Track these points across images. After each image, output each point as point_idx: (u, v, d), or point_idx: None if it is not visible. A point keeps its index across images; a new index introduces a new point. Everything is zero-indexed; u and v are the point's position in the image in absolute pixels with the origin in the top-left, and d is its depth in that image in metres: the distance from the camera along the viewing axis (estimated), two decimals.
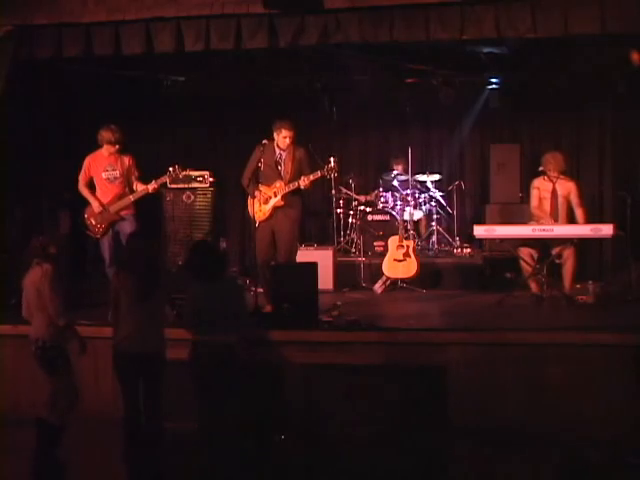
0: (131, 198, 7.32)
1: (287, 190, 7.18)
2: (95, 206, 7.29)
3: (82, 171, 7.38)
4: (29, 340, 5.42)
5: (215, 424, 5.10)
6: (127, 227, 7.21)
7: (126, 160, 7.38)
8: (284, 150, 7.25)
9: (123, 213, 7.31)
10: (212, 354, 5.01)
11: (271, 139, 7.25)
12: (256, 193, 7.13)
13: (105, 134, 7.28)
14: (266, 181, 7.22)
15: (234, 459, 5.16)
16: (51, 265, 5.32)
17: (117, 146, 7.32)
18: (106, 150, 7.33)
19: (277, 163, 7.28)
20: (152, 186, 7.31)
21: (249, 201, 7.30)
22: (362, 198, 10.16)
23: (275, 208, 7.22)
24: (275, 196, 7.21)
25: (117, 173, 7.34)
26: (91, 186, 7.41)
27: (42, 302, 5.30)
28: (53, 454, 5.32)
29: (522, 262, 7.75)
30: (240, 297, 5.38)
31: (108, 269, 7.21)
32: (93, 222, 7.31)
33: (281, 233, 7.25)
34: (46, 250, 5.37)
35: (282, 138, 7.18)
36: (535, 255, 7.75)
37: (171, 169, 7.41)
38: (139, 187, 7.35)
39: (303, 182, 7.15)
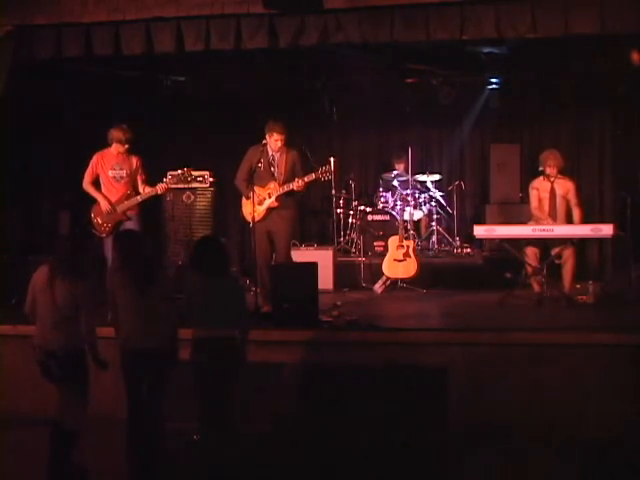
0: (139, 199, 7.32)
1: (281, 192, 7.21)
2: (104, 205, 7.25)
3: (89, 168, 7.33)
4: (45, 351, 5.17)
5: (215, 422, 5.10)
6: (132, 227, 7.19)
7: (134, 161, 7.37)
8: (277, 152, 7.26)
9: (129, 213, 7.32)
10: (212, 349, 5.01)
11: (264, 141, 7.26)
12: (250, 194, 7.13)
13: (116, 133, 7.27)
14: (260, 182, 7.23)
15: (233, 459, 5.17)
16: (88, 279, 5.17)
17: (126, 146, 7.31)
18: (115, 149, 7.32)
19: (270, 164, 7.29)
20: (161, 188, 7.32)
21: (243, 202, 7.35)
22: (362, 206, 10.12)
23: (269, 209, 7.25)
24: (269, 197, 7.23)
25: (124, 173, 7.32)
26: (96, 185, 7.39)
27: (73, 314, 5.10)
28: (69, 457, 5.28)
29: (526, 261, 7.75)
30: (241, 295, 5.38)
31: (110, 268, 7.21)
32: (100, 221, 7.28)
33: (278, 234, 7.28)
34: (80, 262, 5.18)
35: (274, 141, 7.20)
36: (538, 254, 7.76)
37: (180, 171, 7.45)
38: (146, 189, 7.34)
39: (297, 184, 7.17)
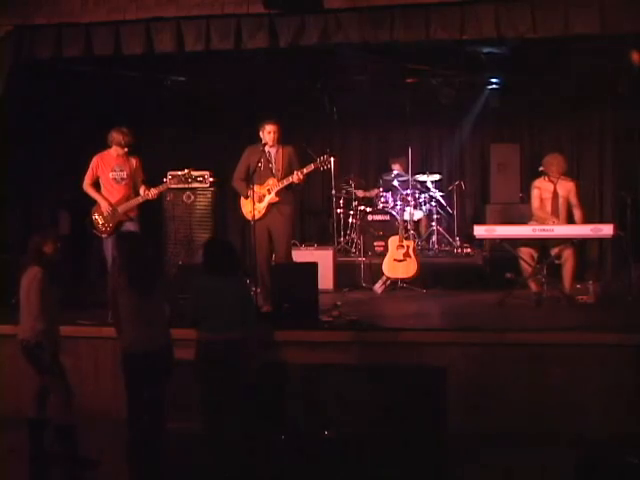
0: (140, 199, 7.33)
1: (281, 186, 7.20)
2: (104, 206, 7.27)
3: (89, 169, 7.35)
4: (16, 339, 5.47)
5: (219, 424, 5.09)
6: (132, 228, 7.21)
7: (133, 162, 7.40)
8: (272, 147, 7.26)
9: (130, 214, 7.33)
10: (219, 352, 5.01)
11: (259, 141, 7.25)
12: (249, 193, 7.14)
13: (116, 136, 7.29)
14: (259, 180, 7.22)
15: (236, 459, 5.16)
16: (41, 268, 5.32)
17: (126, 149, 7.34)
18: (114, 151, 7.34)
19: (268, 161, 7.28)
20: (152, 194, 7.32)
21: (242, 201, 7.35)
22: (360, 193, 10.19)
23: (270, 205, 7.24)
24: (269, 193, 7.23)
25: (124, 174, 7.35)
26: (96, 186, 7.40)
27: (28, 304, 5.33)
28: (68, 454, 5.31)
29: (522, 262, 7.75)
30: (249, 295, 5.39)
31: (111, 269, 7.22)
32: (101, 221, 7.31)
33: (277, 231, 7.27)
34: (40, 251, 5.37)
35: (267, 133, 7.19)
36: (535, 255, 7.75)
37: (180, 173, 7.48)
38: (144, 191, 7.35)
39: (297, 176, 7.17)
